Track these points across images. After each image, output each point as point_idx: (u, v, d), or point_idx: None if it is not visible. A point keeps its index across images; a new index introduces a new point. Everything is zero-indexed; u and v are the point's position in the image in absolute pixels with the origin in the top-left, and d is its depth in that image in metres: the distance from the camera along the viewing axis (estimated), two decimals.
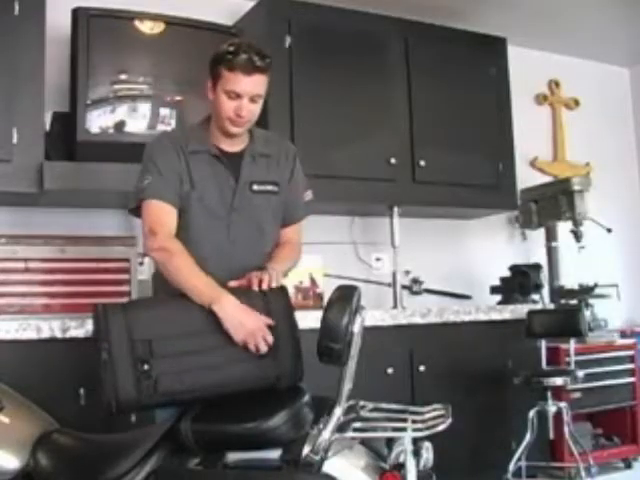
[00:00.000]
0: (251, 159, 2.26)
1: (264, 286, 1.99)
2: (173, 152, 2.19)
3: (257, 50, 2.12)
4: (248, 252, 2.20)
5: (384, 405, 1.86)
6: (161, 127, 3.14)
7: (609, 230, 4.37)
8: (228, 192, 2.21)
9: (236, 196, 2.21)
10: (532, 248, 4.60)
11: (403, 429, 1.75)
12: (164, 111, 3.20)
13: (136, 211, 2.23)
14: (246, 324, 1.90)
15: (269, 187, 2.28)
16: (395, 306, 3.82)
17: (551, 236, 4.46)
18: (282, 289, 2.06)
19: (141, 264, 3.22)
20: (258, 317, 1.93)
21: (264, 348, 1.90)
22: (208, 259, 2.14)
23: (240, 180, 2.23)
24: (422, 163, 3.80)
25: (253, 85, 2.11)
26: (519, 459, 3.43)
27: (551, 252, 4.45)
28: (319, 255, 3.69)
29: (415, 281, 4.16)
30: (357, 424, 1.77)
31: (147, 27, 3.21)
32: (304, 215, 2.41)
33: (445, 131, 3.91)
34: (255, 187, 2.24)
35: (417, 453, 1.75)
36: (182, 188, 2.18)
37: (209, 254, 2.16)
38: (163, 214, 2.14)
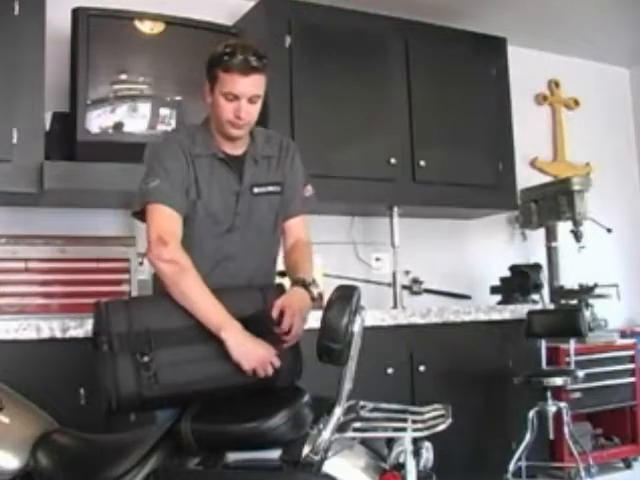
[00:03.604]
0: (253, 162, 2.20)
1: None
2: (182, 157, 2.11)
3: (254, 50, 2.06)
4: (252, 256, 2.17)
5: (384, 405, 1.86)
6: (161, 127, 3.15)
7: (609, 230, 4.38)
8: (231, 197, 2.16)
9: (240, 201, 2.16)
10: (532, 248, 4.60)
11: (403, 429, 1.75)
12: (164, 111, 3.20)
13: (139, 215, 2.14)
14: (254, 354, 1.88)
15: (271, 188, 2.22)
16: (395, 306, 3.82)
17: (551, 236, 4.46)
18: (279, 286, 2.08)
19: (141, 264, 3.22)
20: (265, 346, 1.90)
21: (270, 372, 1.90)
22: (210, 265, 2.11)
23: (243, 184, 2.17)
24: (422, 163, 3.80)
25: (251, 86, 2.06)
26: (519, 459, 3.43)
27: (551, 252, 4.45)
28: (319, 255, 3.67)
29: (415, 281, 4.16)
30: (357, 424, 1.76)
31: (147, 27, 3.21)
32: (303, 210, 2.30)
33: (445, 131, 3.91)
34: (256, 190, 2.19)
35: (417, 453, 1.75)
36: (189, 196, 2.11)
37: (211, 260, 2.12)
38: (172, 222, 2.05)
